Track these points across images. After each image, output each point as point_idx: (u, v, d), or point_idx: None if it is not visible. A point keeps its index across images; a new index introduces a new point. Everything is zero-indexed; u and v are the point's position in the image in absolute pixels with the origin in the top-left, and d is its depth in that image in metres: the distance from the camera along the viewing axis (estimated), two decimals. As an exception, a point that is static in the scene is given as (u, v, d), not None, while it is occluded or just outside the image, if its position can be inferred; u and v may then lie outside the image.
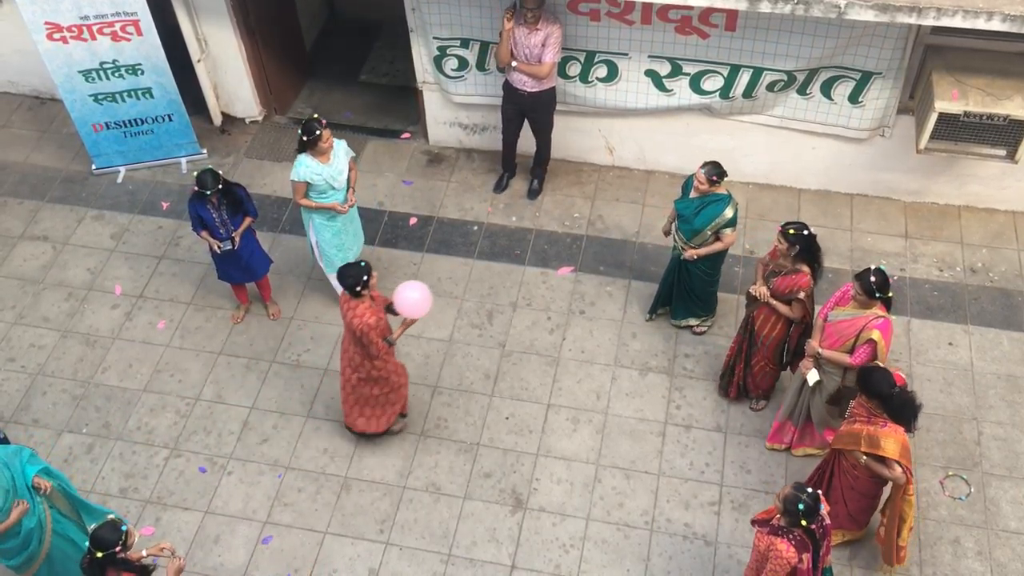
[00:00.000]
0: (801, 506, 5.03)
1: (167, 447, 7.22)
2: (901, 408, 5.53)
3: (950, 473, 6.88)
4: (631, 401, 7.36)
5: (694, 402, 7.34)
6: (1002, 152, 7.46)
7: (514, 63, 7.72)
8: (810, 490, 5.10)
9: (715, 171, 6.70)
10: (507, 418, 7.30)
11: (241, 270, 7.54)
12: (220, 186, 6.95)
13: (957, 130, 7.35)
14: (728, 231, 6.86)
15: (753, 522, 5.44)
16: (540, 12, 7.50)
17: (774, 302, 6.47)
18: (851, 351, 6.03)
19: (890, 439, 5.48)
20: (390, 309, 6.49)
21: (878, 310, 5.98)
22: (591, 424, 7.24)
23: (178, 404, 7.46)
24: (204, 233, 7.20)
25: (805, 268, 6.32)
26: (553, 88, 8.00)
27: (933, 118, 7.27)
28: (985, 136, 7.36)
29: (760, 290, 6.50)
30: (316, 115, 7.16)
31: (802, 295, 6.36)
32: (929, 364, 7.48)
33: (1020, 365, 7.45)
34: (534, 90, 7.90)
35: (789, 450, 6.96)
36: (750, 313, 6.76)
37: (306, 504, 6.89)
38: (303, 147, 7.02)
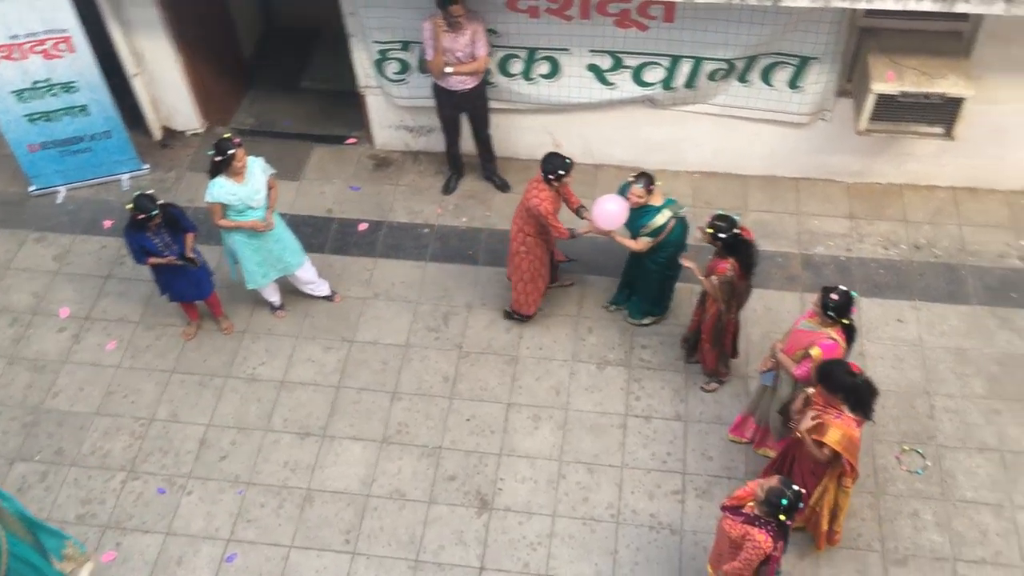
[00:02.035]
0: (784, 501, 4.99)
1: (124, 470, 7.09)
2: (865, 396, 5.53)
3: (906, 448, 7.01)
4: (591, 395, 7.39)
5: (653, 392, 7.39)
6: (940, 130, 7.60)
7: (448, 69, 7.70)
8: (796, 488, 5.07)
9: (646, 182, 6.78)
10: (468, 419, 7.29)
11: (193, 286, 7.41)
12: (159, 203, 6.79)
13: (895, 110, 7.47)
14: (645, 239, 6.91)
15: (723, 508, 5.42)
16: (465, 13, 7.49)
17: (691, 264, 6.68)
18: (799, 362, 6.09)
19: (837, 430, 5.50)
20: (579, 213, 7.19)
21: (833, 332, 5.92)
22: (552, 420, 7.26)
23: (132, 426, 7.33)
24: (151, 260, 7.03)
25: (728, 259, 6.43)
26: (485, 77, 8.03)
27: (871, 99, 7.38)
28: (922, 115, 7.49)
29: (690, 264, 6.71)
30: (227, 134, 6.99)
31: (715, 280, 6.48)
32: (879, 342, 7.61)
33: (967, 338, 7.61)
34: (472, 86, 7.91)
35: (751, 444, 7.01)
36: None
37: (269, 519, 6.81)
38: (216, 168, 6.85)
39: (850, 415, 5.56)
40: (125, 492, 6.97)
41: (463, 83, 7.88)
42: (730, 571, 5.31)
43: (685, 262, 6.80)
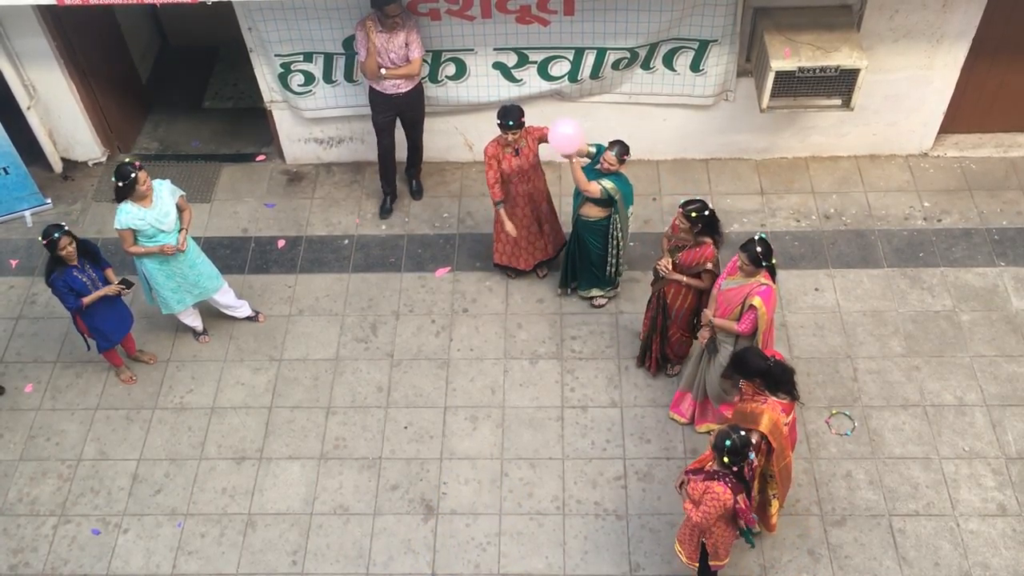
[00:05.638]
0: (728, 443, 5.16)
1: (54, 514, 6.87)
2: (782, 377, 5.68)
3: (834, 412, 7.21)
4: (526, 391, 7.42)
5: (587, 382, 7.45)
6: (838, 101, 7.83)
7: (383, 71, 7.59)
8: (743, 433, 5.23)
9: (619, 151, 6.82)
10: (406, 427, 7.25)
11: (123, 320, 7.19)
12: (69, 232, 6.58)
13: (794, 85, 7.67)
14: (597, 185, 6.85)
15: (687, 472, 5.51)
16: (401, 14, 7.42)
17: (681, 277, 6.58)
18: (738, 319, 6.22)
19: (766, 415, 5.64)
20: (544, 139, 7.18)
21: (762, 278, 6.11)
22: (490, 420, 7.26)
23: (59, 468, 7.10)
24: (86, 299, 6.74)
25: (707, 240, 6.48)
26: (420, 80, 7.98)
27: (771, 77, 7.57)
28: (821, 88, 7.70)
29: (663, 262, 6.61)
30: (128, 159, 6.86)
31: (709, 266, 6.50)
32: (800, 312, 7.81)
33: (881, 300, 7.86)
34: (408, 89, 7.84)
35: (692, 425, 7.11)
36: (659, 288, 6.85)
37: (211, 549, 6.67)
38: (121, 194, 6.71)
39: (775, 400, 5.70)
40: (58, 537, 6.75)
41: (397, 87, 7.77)
42: (696, 526, 5.42)
43: (663, 270, 6.63)
